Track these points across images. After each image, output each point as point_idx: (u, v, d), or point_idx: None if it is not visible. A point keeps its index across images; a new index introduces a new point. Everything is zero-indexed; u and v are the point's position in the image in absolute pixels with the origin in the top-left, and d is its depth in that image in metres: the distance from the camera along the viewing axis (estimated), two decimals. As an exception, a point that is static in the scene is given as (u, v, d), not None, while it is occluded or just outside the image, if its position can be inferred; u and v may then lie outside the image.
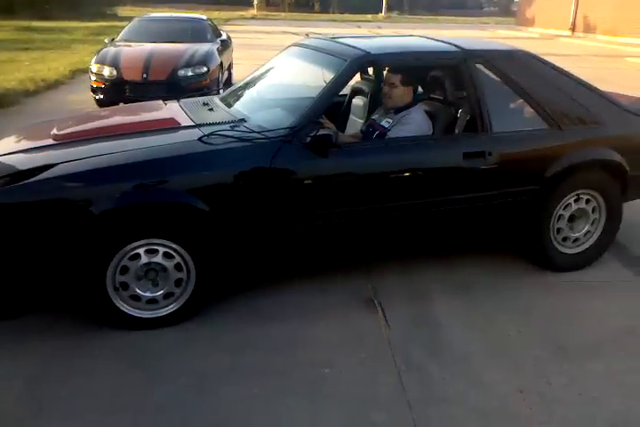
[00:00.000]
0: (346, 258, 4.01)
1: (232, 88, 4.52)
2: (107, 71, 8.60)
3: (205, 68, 8.90)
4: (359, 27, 32.55)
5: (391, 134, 3.76)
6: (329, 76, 3.55)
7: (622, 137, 4.09)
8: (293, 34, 21.60)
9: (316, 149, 3.29)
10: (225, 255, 3.34)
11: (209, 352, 3.08)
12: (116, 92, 8.41)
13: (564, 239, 4.03)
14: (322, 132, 3.29)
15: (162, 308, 3.28)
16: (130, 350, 3.09)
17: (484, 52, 3.89)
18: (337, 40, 4.01)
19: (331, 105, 3.65)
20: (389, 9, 48.27)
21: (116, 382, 2.83)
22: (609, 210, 4.08)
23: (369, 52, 3.62)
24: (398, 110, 3.84)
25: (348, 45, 3.78)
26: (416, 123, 3.74)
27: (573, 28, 32.00)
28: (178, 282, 3.26)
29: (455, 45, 3.85)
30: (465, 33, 26.80)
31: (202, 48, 9.52)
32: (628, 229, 4.52)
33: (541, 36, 30.49)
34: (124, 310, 3.21)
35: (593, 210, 4.06)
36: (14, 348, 3.07)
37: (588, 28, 30.30)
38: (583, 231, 4.07)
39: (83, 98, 9.25)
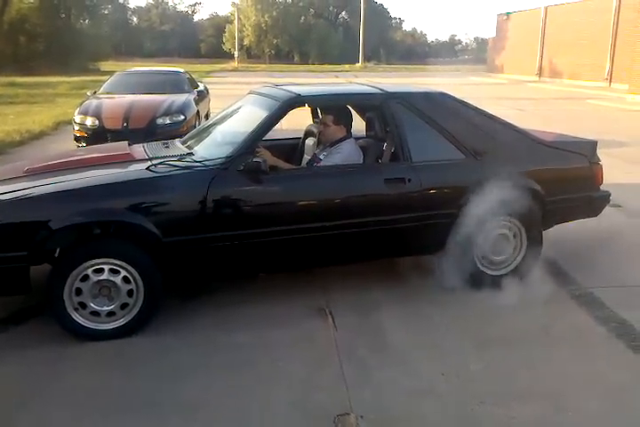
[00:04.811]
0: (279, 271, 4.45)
1: (193, 131, 5.11)
2: (89, 121, 9.14)
3: (182, 117, 9.48)
4: (337, 76, 33.71)
5: (323, 164, 4.33)
6: (266, 114, 4.10)
7: (537, 166, 4.49)
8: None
9: (249, 174, 3.80)
10: (167, 267, 3.74)
11: (182, 352, 3.55)
12: (98, 140, 8.67)
13: (490, 262, 4.39)
14: (255, 159, 3.80)
15: (121, 318, 3.66)
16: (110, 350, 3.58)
17: (402, 93, 4.45)
18: (280, 86, 4.61)
19: (286, 145, 4.65)
20: (366, 59, 50.00)
21: (102, 374, 3.33)
22: (529, 235, 4.40)
23: (299, 94, 4.22)
24: (332, 144, 4.45)
25: (286, 90, 4.37)
26: (344, 153, 4.33)
27: (540, 74, 33.40)
28: (129, 293, 3.65)
29: (380, 89, 4.47)
30: (434, 80, 27.75)
31: (179, 98, 10.12)
32: (560, 245, 5.08)
33: (510, 82, 31.73)
34: (85, 324, 3.60)
35: (514, 235, 4.40)
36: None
37: (555, 74, 31.63)
38: (506, 255, 4.41)
39: (66, 146, 9.70)
